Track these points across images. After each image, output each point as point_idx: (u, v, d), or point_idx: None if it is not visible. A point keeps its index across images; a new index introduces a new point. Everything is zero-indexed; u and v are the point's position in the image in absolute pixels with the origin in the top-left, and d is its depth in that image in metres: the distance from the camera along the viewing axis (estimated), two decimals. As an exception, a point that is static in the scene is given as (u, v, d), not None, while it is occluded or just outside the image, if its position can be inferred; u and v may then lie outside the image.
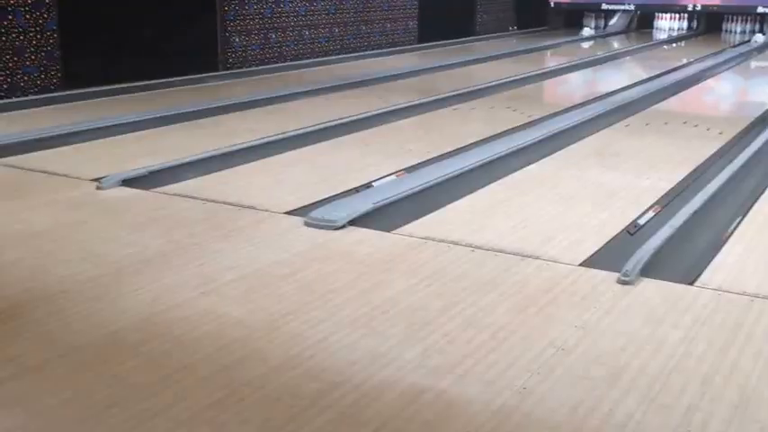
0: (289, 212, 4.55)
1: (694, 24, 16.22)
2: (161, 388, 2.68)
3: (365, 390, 2.67)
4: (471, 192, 5.02)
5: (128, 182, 5.07)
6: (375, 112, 7.53)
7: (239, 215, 4.51)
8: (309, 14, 11.40)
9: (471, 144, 6.30)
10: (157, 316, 3.19)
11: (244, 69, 10.25)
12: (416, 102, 8.16)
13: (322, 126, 6.82)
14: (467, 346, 3.00)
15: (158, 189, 5.00)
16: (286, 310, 3.27)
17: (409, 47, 13.23)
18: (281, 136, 6.41)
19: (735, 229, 4.36)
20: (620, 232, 4.34)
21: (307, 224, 4.31)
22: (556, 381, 2.75)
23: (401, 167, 5.55)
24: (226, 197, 4.80)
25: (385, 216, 4.48)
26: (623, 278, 3.60)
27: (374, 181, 5.22)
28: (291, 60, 11.07)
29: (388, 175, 5.35)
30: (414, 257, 3.90)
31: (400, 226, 4.31)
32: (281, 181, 5.24)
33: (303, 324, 3.15)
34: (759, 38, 14.34)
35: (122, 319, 3.17)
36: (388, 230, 4.26)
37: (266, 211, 4.59)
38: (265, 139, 6.27)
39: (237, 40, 10.27)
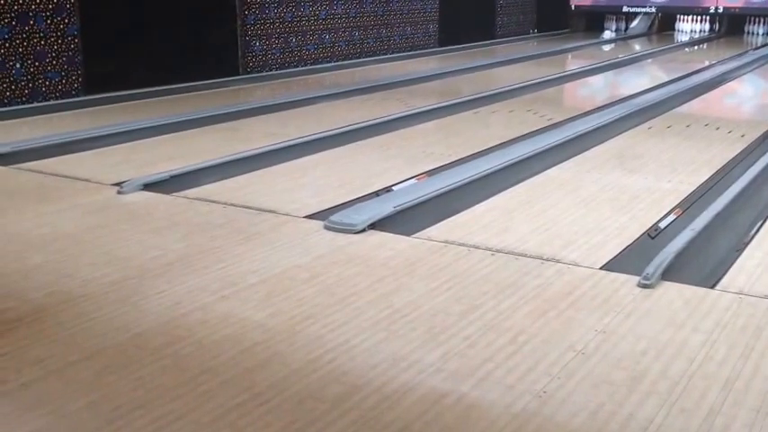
0: (309, 216, 4.57)
1: (716, 26, 16.10)
2: (184, 391, 2.70)
3: (386, 393, 2.68)
4: (491, 195, 5.02)
5: (149, 186, 5.11)
6: (396, 116, 7.55)
7: (259, 219, 4.54)
8: (329, 18, 11.44)
9: (492, 147, 6.30)
10: (179, 319, 3.22)
11: (264, 73, 10.31)
12: (437, 105, 8.17)
13: (342, 130, 6.85)
14: (487, 349, 2.99)
15: (179, 193, 5.04)
16: (306, 314, 3.29)
17: (430, 50, 13.24)
18: (301, 140, 6.46)
19: (756, 232, 4.33)
20: (641, 236, 4.32)
21: (327, 228, 4.32)
22: (576, 385, 2.74)
23: (421, 171, 5.56)
24: (246, 201, 4.84)
25: (405, 220, 4.49)
26: (644, 282, 3.59)
27: (394, 185, 5.23)
28: (312, 64, 11.12)
29: (408, 179, 5.36)
30: (434, 261, 3.90)
31: (420, 230, 4.32)
32: (302, 185, 5.26)
33: (323, 328, 3.17)
34: (782, 39, 14.23)
35: (145, 323, 3.20)
36: (409, 234, 4.27)
37: (286, 214, 4.61)
38: (285, 143, 6.31)
39: (258, 44, 10.33)
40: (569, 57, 13.55)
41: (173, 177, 5.27)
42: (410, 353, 2.96)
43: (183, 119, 7.17)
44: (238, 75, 10.03)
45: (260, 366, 2.87)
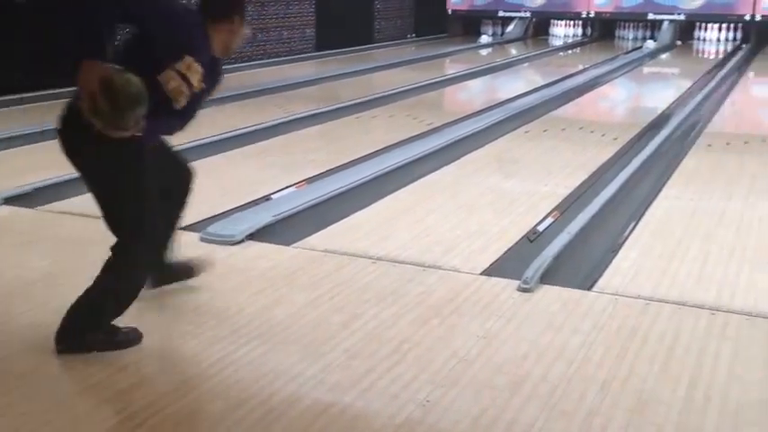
0: (184, 228, 4.36)
1: (588, 31, 16.69)
2: (54, 415, 2.56)
3: (271, 406, 2.63)
4: (372, 202, 4.99)
5: (10, 200, 4.82)
6: (274, 122, 7.42)
7: (133, 232, 4.33)
8: (202, 22, 11.17)
9: (372, 153, 6.27)
10: (46, 342, 3.01)
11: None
12: (316, 111, 8.08)
13: (219, 137, 6.65)
14: (369, 360, 2.96)
15: (44, 207, 4.78)
16: (183, 330, 3.17)
17: (307, 55, 13.13)
18: (174, 148, 6.19)
19: (630, 233, 4.46)
20: (521, 239, 4.38)
21: (203, 240, 4.19)
22: (459, 392, 2.75)
23: (301, 178, 5.47)
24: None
25: (285, 229, 4.40)
26: (524, 286, 3.63)
27: (274, 193, 5.12)
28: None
29: (288, 187, 5.26)
30: (314, 271, 3.84)
31: (300, 239, 4.24)
32: (177, 195, 5.07)
33: (202, 343, 3.06)
34: (650, 44, 14.84)
35: (9, 346, 3.02)
36: (288, 244, 4.18)
37: (160, 226, 4.42)
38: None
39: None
40: (448, 61, 13.75)
41: (36, 190, 4.99)
42: (292, 365, 2.91)
43: (46, 128, 6.79)
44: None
45: (135, 387, 2.75)
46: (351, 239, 4.28)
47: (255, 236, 4.23)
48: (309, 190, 5.15)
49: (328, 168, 5.63)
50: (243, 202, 4.85)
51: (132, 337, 3.00)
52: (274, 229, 4.38)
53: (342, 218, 4.65)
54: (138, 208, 2.89)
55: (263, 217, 4.44)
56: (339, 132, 7.39)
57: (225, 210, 4.70)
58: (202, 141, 6.46)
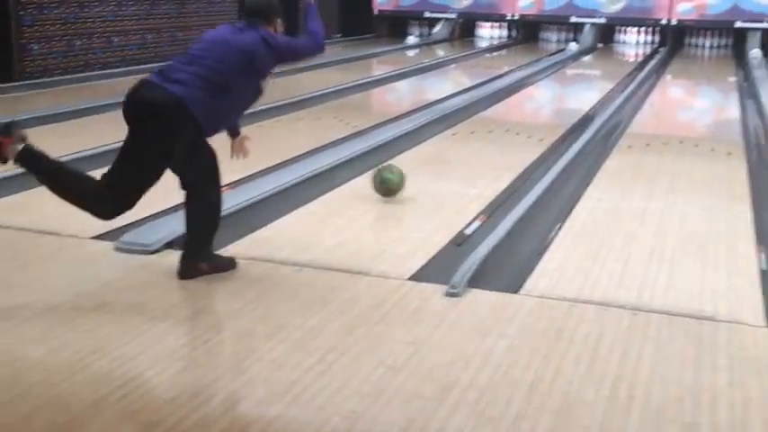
0: (97, 237, 4.19)
1: (513, 33, 16.87)
2: None
3: (187, 426, 2.50)
4: (298, 207, 4.89)
5: None
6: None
7: (40, 242, 4.15)
8: (118, 20, 10.89)
9: (297, 157, 6.16)
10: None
11: (46, 79, 9.60)
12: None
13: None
14: (295, 371, 2.88)
15: None
16: (94, 347, 3.01)
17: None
18: (90, 152, 5.93)
19: (555, 235, 4.47)
20: (448, 243, 4.34)
21: (118, 249, 4.02)
22: (386, 401, 2.70)
23: (223, 183, 5.28)
24: (23, 223, 4.40)
25: (206, 236, 4.26)
26: (451, 290, 3.59)
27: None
28: (100, 69, 10.51)
29: (209, 193, 5.10)
30: (237, 280, 3.72)
31: (222, 247, 4.09)
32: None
33: (114, 361, 2.91)
34: (573, 46, 15.08)
35: None
36: (210, 252, 4.04)
37: (72, 236, 4.22)
38: (71, 156, 5.69)
39: (36, 47, 9.63)
40: (375, 62, 13.72)
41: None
42: (213, 382, 2.79)
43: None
44: (14, 81, 9.27)
45: (38, 411, 2.59)
46: (275, 246, 4.17)
47: (174, 244, 4.05)
48: (231, 195, 4.98)
49: (251, 173, 5.49)
50: (160, 209, 4.62)
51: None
52: (195, 236, 4.23)
53: (265, 224, 4.53)
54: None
55: (181, 225, 4.26)
56: (263, 135, 7.21)
57: (141, 217, 4.49)
58: (115, 146, 6.22)
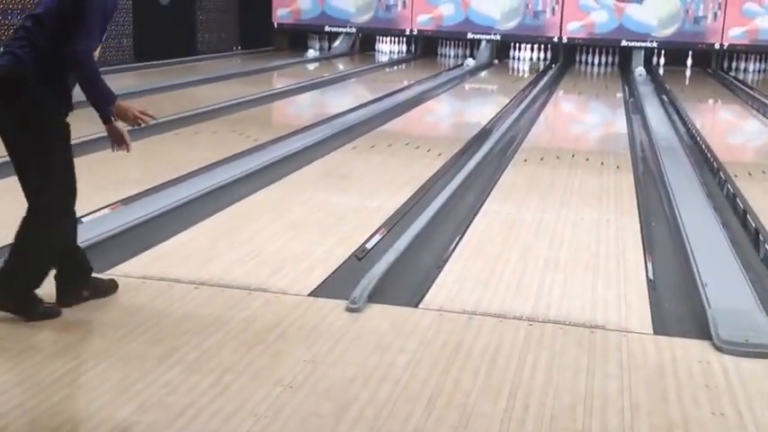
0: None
1: (412, 48, 17.06)
2: None
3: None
4: (194, 223, 4.77)
5: None
6: (86, 138, 6.96)
7: None
8: (1, 30, 10.44)
9: (195, 171, 6.02)
10: None
11: None
12: (134, 126, 7.66)
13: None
14: (189, 394, 2.80)
15: None
16: (-25, 375, 2.85)
17: (125, 66, 12.54)
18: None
19: (454, 248, 4.51)
20: (349, 258, 4.32)
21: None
22: (284, 422, 2.65)
23: (115, 200, 5.15)
24: None
25: (97, 255, 4.04)
26: (351, 306, 3.57)
27: (84, 215, 4.75)
28: None
29: (100, 209, 4.91)
30: (129, 301, 3.60)
31: (114, 265, 3.96)
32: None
33: (-3, 390, 2.76)
34: (470, 62, 15.34)
35: None
36: (101, 271, 3.86)
37: None
38: None
39: None
40: (275, 75, 13.62)
41: None
42: (100, 408, 2.68)
43: None
44: None
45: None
46: (170, 264, 4.06)
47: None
48: (124, 212, 4.86)
49: (146, 188, 5.33)
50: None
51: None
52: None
53: (161, 241, 4.41)
54: None
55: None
56: (158, 149, 7.05)
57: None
58: (3, 159, 5.96)
